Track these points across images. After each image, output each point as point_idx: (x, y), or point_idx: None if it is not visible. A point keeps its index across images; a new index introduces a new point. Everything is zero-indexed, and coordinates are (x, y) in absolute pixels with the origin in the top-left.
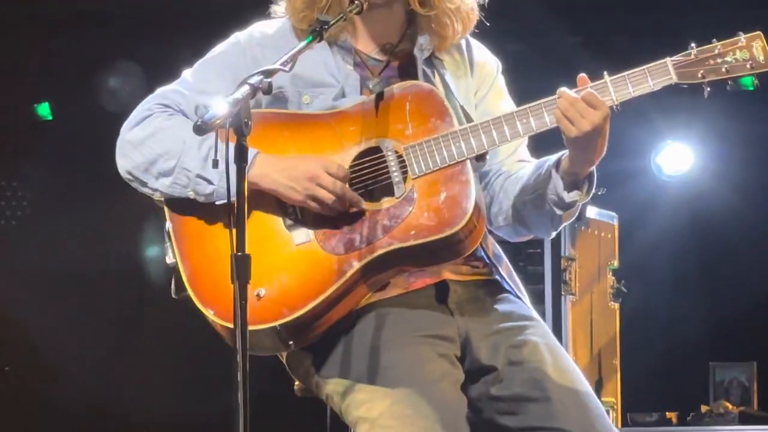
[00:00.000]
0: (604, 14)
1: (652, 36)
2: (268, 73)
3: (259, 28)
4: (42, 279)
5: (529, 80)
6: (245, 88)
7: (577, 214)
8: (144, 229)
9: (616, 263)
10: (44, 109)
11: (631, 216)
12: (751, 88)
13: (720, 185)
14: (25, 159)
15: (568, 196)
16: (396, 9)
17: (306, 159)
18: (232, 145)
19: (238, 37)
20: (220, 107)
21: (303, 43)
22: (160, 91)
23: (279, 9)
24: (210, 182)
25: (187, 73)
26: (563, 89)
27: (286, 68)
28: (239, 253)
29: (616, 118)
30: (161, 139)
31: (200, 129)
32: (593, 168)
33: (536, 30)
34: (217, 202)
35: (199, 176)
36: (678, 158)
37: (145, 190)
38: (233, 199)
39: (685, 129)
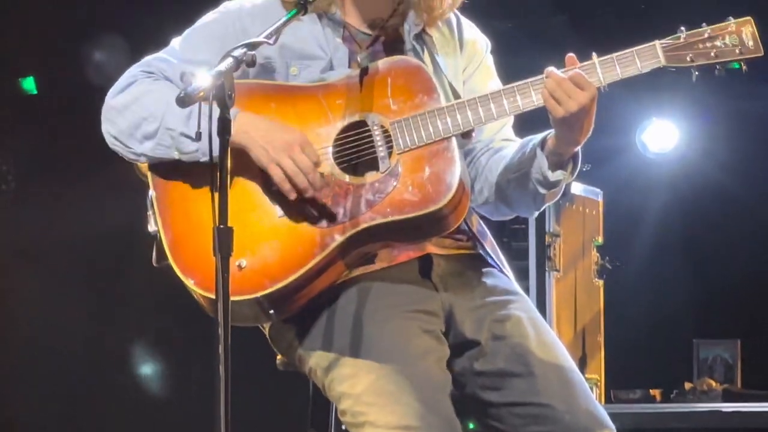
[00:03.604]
0: None
1: (640, 15)
2: (253, 46)
3: None
4: (28, 254)
5: (516, 58)
6: (229, 61)
7: (560, 194)
8: (130, 202)
9: (600, 240)
10: (29, 83)
11: (615, 193)
12: (737, 67)
13: (705, 163)
14: (10, 133)
15: (553, 175)
16: None
17: (288, 129)
18: (215, 109)
19: (227, 6)
20: (203, 79)
21: (288, 16)
22: (147, 59)
23: None
24: (193, 139)
25: (175, 42)
26: (551, 69)
27: (271, 41)
28: (221, 226)
29: (601, 94)
30: (145, 103)
31: (183, 101)
32: (578, 148)
33: (523, 8)
34: (201, 159)
35: (182, 134)
36: (663, 136)
37: (130, 155)
38: (216, 165)
39: (670, 106)
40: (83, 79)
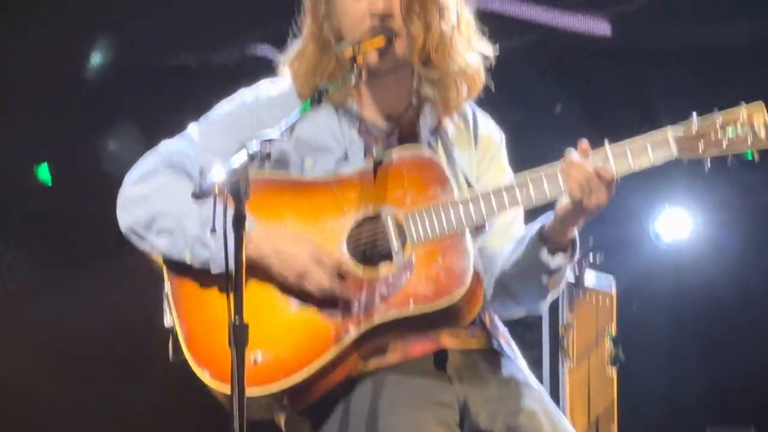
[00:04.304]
0: (603, 82)
1: (651, 104)
2: (267, 141)
3: (265, 89)
4: (39, 346)
5: (528, 148)
6: (244, 155)
7: (563, 281)
8: (144, 294)
9: (613, 330)
10: (44, 172)
11: (629, 282)
12: (751, 158)
13: (719, 252)
14: (25, 223)
15: (553, 261)
16: (402, 76)
17: (301, 247)
18: (230, 212)
19: (244, 97)
20: (218, 174)
21: (302, 110)
22: (165, 147)
23: (287, 69)
24: (208, 248)
25: (192, 130)
26: (577, 160)
27: (285, 138)
28: (237, 323)
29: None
30: (164, 198)
31: (198, 196)
32: (576, 232)
33: (535, 97)
34: (213, 271)
35: (197, 240)
36: (677, 224)
37: (144, 246)
38: (231, 266)
39: (684, 194)
40: (98, 168)
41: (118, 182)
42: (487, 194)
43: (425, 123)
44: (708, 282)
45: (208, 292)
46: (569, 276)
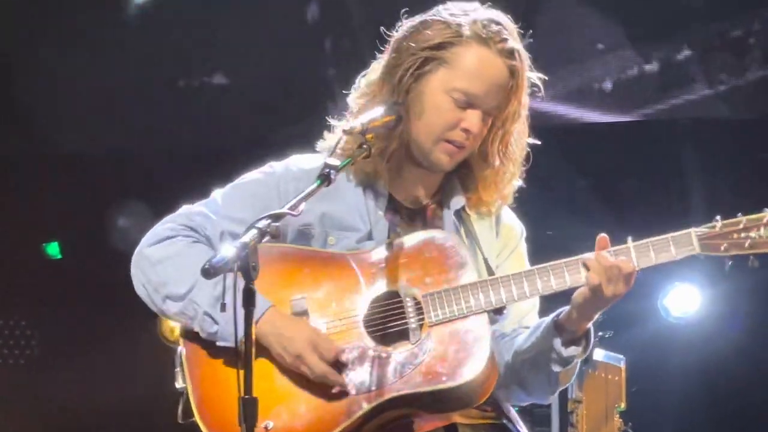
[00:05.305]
0: (613, 158)
1: (661, 181)
2: (277, 218)
3: (296, 161)
4: (50, 419)
5: (541, 222)
6: (253, 233)
7: (574, 375)
8: (152, 369)
9: (623, 405)
10: (53, 249)
11: (638, 358)
12: None
13: (728, 327)
14: (34, 298)
15: (567, 352)
16: None
17: (300, 331)
18: (240, 288)
19: (274, 167)
20: (228, 251)
21: (312, 187)
22: (188, 211)
23: (324, 144)
24: (216, 322)
25: (217, 195)
26: (604, 254)
27: (295, 212)
28: (247, 396)
29: None
30: (179, 264)
31: (208, 273)
32: (590, 325)
33: (547, 173)
34: (218, 343)
35: (206, 313)
36: (686, 300)
37: (154, 308)
38: (240, 341)
39: (692, 271)
40: (107, 245)
41: (127, 257)
42: (507, 279)
43: (451, 206)
44: (717, 356)
45: (222, 359)
46: None
